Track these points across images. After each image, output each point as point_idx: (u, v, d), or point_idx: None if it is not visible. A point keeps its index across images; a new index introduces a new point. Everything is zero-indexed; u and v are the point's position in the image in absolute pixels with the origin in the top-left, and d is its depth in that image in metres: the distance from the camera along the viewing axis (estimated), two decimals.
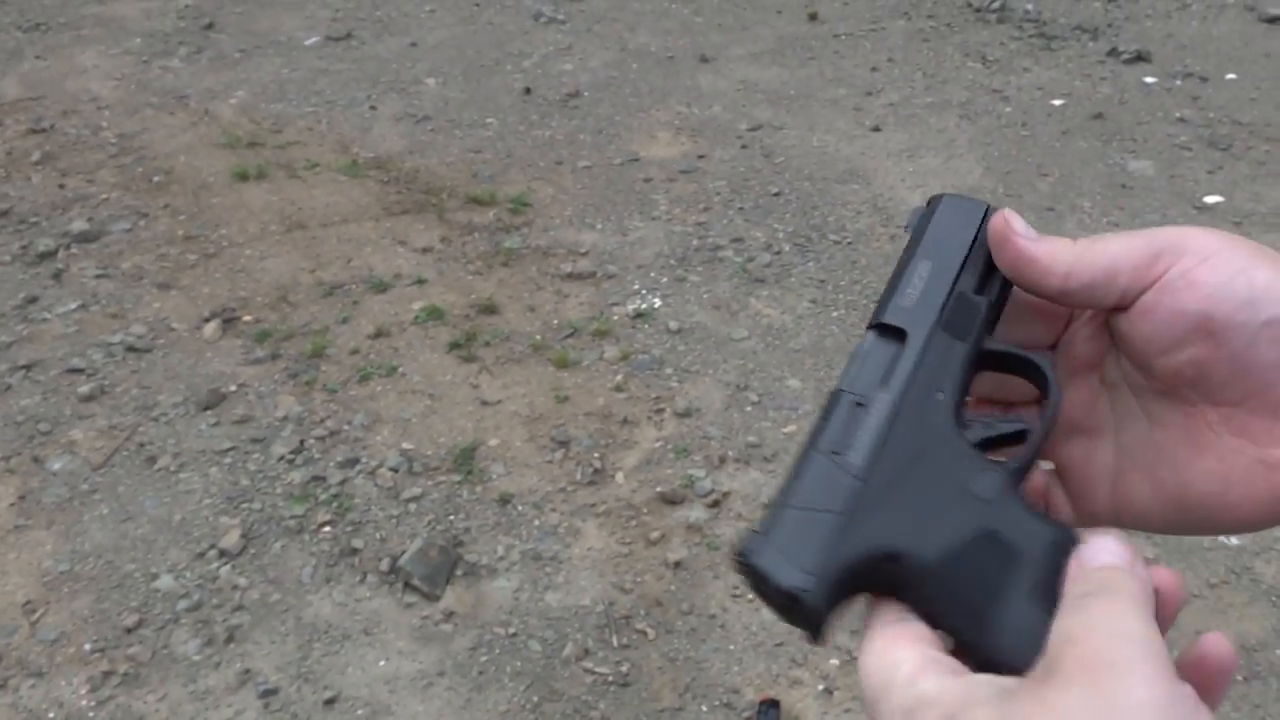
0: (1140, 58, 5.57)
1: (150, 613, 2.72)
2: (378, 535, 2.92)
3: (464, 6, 6.39)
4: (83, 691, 2.53)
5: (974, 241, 0.52)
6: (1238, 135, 4.86)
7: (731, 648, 2.63)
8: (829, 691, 2.52)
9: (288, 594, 2.77)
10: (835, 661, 2.59)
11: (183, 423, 3.30)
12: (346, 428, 3.27)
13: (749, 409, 3.33)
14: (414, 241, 4.17)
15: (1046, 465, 0.53)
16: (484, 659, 2.61)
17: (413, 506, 3.00)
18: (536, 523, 2.96)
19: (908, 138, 4.90)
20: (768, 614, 2.68)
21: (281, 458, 3.16)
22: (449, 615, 2.71)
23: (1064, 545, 0.43)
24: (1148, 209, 4.30)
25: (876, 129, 4.98)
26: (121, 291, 3.87)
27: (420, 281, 3.93)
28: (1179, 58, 5.62)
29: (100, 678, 2.56)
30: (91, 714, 2.49)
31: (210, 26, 6.07)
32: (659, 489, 3.05)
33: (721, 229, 4.23)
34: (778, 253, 4.08)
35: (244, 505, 3.01)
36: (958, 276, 0.52)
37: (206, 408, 3.34)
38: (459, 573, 2.82)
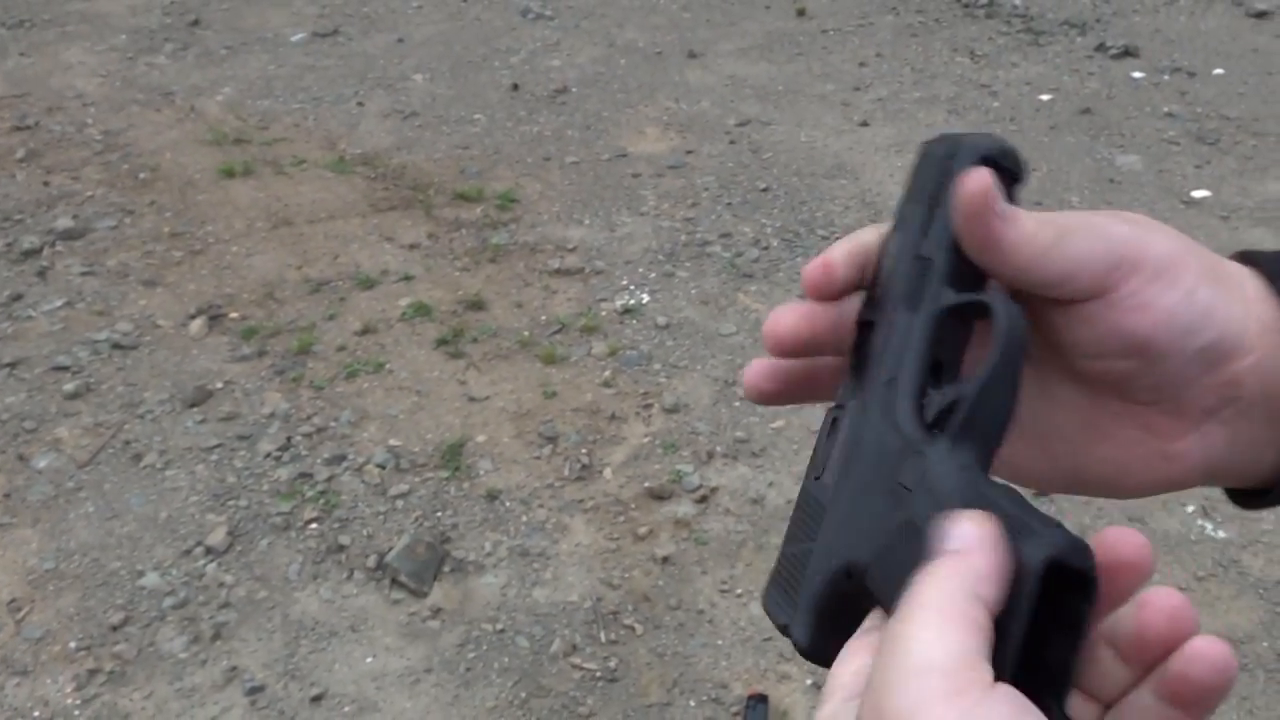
0: (1128, 53, 5.58)
1: (136, 610, 2.70)
2: (365, 532, 2.91)
3: (451, 3, 6.38)
4: (68, 690, 2.52)
5: (939, 194, 0.46)
6: (1225, 130, 4.87)
7: (719, 643, 2.63)
8: (817, 686, 2.52)
9: (274, 591, 2.76)
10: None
11: (169, 420, 3.28)
12: (333, 424, 3.26)
13: (737, 404, 3.32)
14: (401, 238, 4.16)
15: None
16: (471, 655, 2.60)
17: (400, 503, 2.99)
18: (524, 519, 2.96)
19: (896, 133, 4.90)
20: (755, 609, 2.68)
21: (268, 455, 3.14)
22: (436, 612, 2.70)
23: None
24: (1136, 203, 4.31)
25: (865, 124, 4.98)
26: (107, 289, 3.85)
27: (407, 278, 3.92)
28: (1167, 52, 5.63)
29: (86, 676, 2.55)
30: (77, 712, 2.47)
31: (196, 23, 6.05)
32: (647, 484, 3.05)
33: (710, 224, 4.22)
34: (766, 248, 4.08)
35: (230, 502, 3.00)
36: (918, 243, 0.46)
37: (192, 405, 3.33)
38: (446, 569, 2.81)
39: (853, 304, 0.49)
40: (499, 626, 2.67)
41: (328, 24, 6.06)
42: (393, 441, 3.20)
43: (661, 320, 3.69)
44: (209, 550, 2.85)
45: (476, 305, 3.76)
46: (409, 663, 2.59)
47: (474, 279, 3.92)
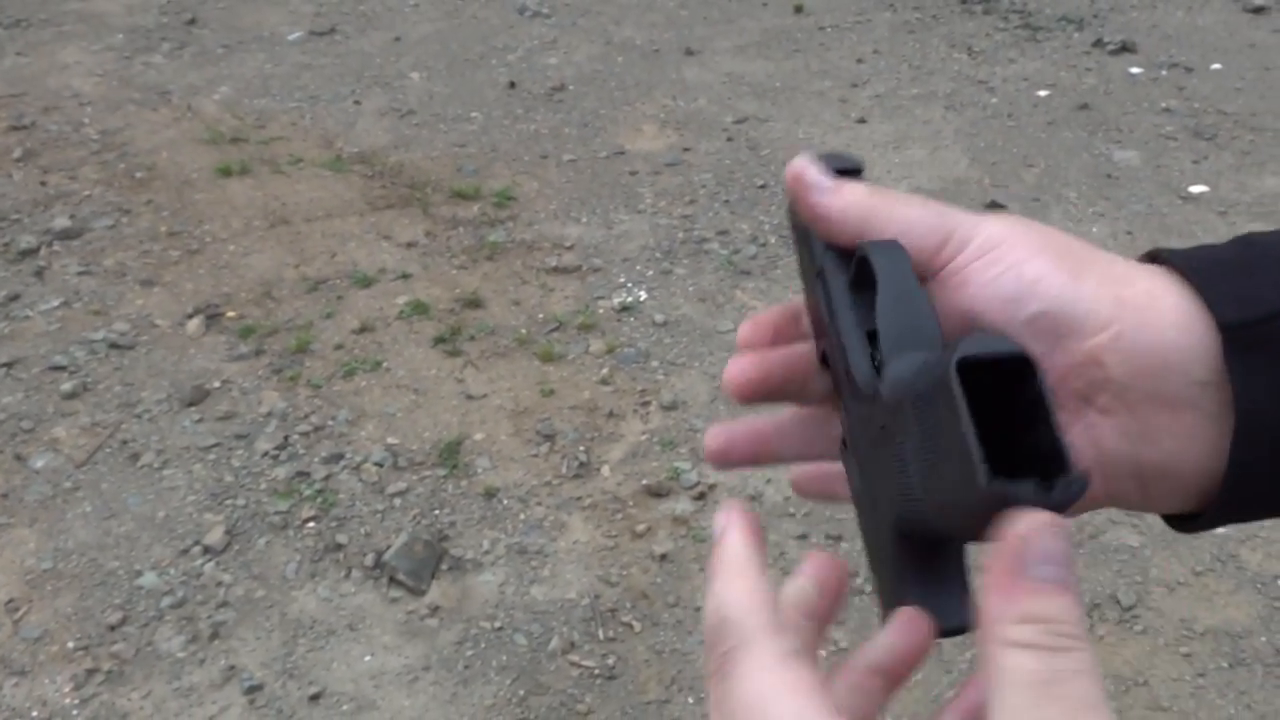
0: (1125, 48, 5.58)
1: (134, 610, 2.70)
2: (362, 530, 2.91)
3: (448, 1, 6.37)
4: (66, 690, 2.52)
5: None
6: (1223, 125, 4.87)
7: None
8: None
9: (272, 590, 2.76)
10: (822, 653, 2.58)
11: (166, 419, 3.28)
12: (331, 423, 3.25)
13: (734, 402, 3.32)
14: (398, 236, 4.15)
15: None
16: (470, 653, 2.60)
17: (398, 501, 2.99)
18: (522, 516, 2.96)
19: (893, 129, 4.89)
20: None
21: (265, 454, 3.14)
22: (434, 610, 2.70)
23: None
24: (1133, 199, 4.31)
25: (862, 121, 4.97)
26: (104, 288, 3.85)
27: (405, 276, 3.91)
28: (1164, 48, 5.63)
29: (84, 675, 2.54)
30: (75, 712, 2.47)
31: (193, 22, 6.04)
32: (645, 482, 3.04)
33: (707, 222, 4.22)
34: (763, 245, 4.08)
35: (228, 501, 3.00)
36: (811, 265, 0.50)
37: (190, 404, 3.32)
38: (444, 567, 2.81)
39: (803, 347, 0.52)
40: (497, 624, 2.67)
41: (324, 23, 6.05)
42: (390, 440, 3.20)
43: (659, 318, 3.69)
44: (207, 549, 2.85)
45: (474, 303, 3.76)
46: (407, 661, 2.59)
47: (471, 277, 3.92)
